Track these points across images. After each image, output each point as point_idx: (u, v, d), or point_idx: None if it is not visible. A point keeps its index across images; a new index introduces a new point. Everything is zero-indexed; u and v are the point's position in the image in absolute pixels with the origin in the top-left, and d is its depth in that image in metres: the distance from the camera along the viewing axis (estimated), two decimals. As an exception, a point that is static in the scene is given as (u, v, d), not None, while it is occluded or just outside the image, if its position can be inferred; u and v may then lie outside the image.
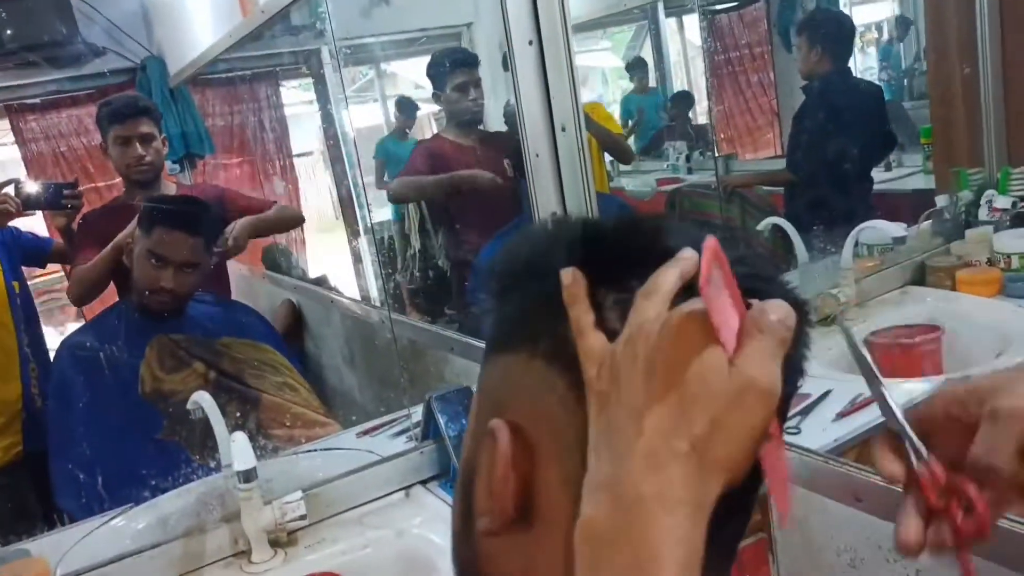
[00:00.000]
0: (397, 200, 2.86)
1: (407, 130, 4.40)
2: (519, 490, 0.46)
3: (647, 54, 3.55)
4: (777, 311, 0.41)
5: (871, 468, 1.13)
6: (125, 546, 1.31)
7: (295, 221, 2.71)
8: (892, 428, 0.50)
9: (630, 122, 3.55)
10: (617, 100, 3.81)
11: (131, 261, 1.95)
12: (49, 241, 2.39)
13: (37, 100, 3.08)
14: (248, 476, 1.25)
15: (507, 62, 1.38)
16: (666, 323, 0.41)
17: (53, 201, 2.08)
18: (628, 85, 3.67)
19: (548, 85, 1.37)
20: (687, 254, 0.43)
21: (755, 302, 0.42)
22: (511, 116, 2.38)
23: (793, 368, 0.45)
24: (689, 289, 0.42)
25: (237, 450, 1.25)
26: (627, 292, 0.44)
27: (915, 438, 0.49)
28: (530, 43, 1.36)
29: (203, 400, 1.37)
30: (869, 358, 0.52)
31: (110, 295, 2.14)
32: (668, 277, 0.42)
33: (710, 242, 0.41)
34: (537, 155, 1.33)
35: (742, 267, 0.44)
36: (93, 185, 3.10)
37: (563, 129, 1.38)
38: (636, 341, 0.41)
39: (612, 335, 0.43)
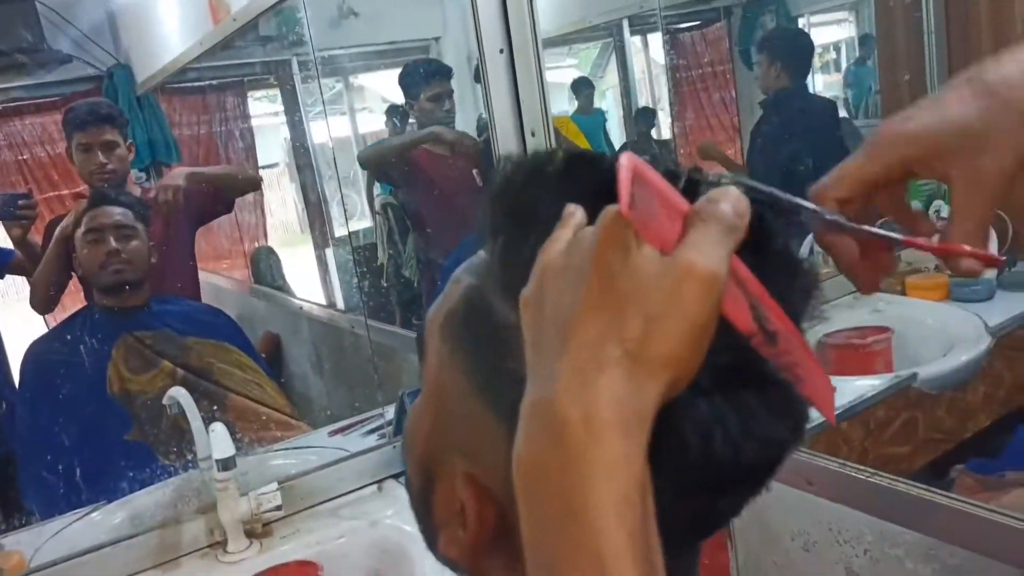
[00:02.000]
0: (365, 163, 2.86)
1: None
2: (486, 540, 0.44)
3: (612, 71, 3.59)
4: (723, 196, 0.37)
5: (822, 453, 1.19)
6: (101, 539, 1.33)
7: (247, 181, 2.55)
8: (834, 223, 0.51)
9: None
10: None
11: (76, 252, 1.97)
12: (10, 252, 2.37)
13: (-1, 107, 3.06)
14: (227, 464, 1.27)
15: (477, 74, 1.43)
16: (598, 226, 0.36)
17: (6, 212, 2.07)
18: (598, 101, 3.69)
19: (518, 91, 1.43)
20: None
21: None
22: (483, 128, 2.43)
23: (781, 263, 0.42)
24: None
25: (216, 439, 1.27)
26: None
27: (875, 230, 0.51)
28: (501, 51, 1.42)
29: (179, 395, 1.40)
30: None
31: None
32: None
33: (623, 161, 0.36)
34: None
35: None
36: (57, 193, 3.08)
37: (532, 134, 1.44)
38: (570, 249, 0.37)
39: None
